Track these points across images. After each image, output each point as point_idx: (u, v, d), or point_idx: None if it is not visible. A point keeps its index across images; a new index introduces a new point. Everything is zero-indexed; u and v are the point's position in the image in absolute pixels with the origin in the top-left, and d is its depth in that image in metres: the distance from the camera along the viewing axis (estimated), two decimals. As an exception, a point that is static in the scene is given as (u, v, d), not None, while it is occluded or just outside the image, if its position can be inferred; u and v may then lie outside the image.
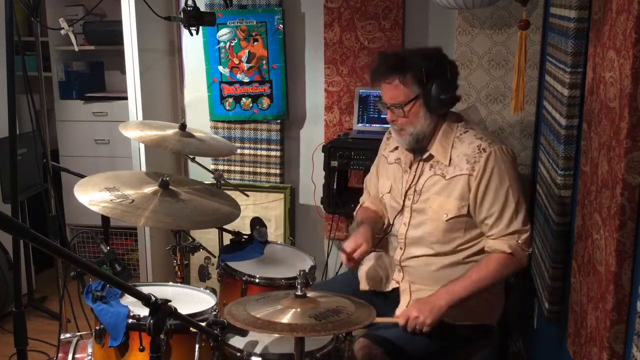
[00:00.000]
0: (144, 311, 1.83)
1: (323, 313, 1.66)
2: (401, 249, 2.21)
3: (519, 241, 2.04)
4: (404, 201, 2.19)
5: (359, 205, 2.43)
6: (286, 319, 1.64)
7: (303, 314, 1.66)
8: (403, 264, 2.21)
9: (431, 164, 2.14)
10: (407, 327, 2.00)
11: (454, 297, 2.01)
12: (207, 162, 3.48)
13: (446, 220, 2.09)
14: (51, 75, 4.08)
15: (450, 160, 2.10)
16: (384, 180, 2.32)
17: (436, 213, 2.11)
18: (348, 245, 2.12)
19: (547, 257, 2.19)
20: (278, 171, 3.50)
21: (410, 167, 2.20)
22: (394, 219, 2.24)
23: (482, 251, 2.10)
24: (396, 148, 2.27)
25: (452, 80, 2.12)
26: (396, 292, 2.21)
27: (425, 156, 2.14)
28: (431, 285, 2.10)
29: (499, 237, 2.05)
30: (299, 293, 1.73)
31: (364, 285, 2.28)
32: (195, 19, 2.64)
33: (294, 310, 1.67)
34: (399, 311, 2.13)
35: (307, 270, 2.43)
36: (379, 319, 1.91)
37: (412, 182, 2.17)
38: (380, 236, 2.30)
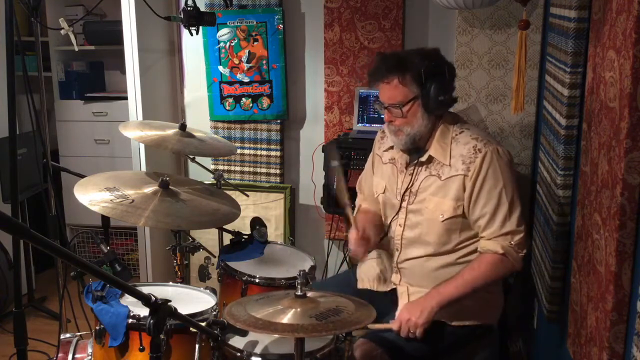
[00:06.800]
0: (144, 311, 1.84)
1: (323, 313, 1.66)
2: (397, 250, 2.21)
3: (512, 242, 2.02)
4: (400, 202, 2.19)
5: (356, 208, 2.43)
6: (287, 319, 1.64)
7: (303, 314, 1.66)
8: (400, 265, 2.21)
9: (427, 165, 2.14)
10: (401, 332, 1.99)
11: (444, 298, 2.01)
12: (207, 162, 3.48)
13: (442, 221, 2.08)
14: (51, 75, 4.09)
15: (449, 160, 2.10)
16: (379, 180, 2.31)
17: (432, 214, 2.10)
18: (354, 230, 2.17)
19: (547, 257, 2.19)
20: (278, 171, 3.50)
21: (406, 168, 2.19)
22: (390, 220, 2.24)
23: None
24: (390, 147, 2.26)
25: (450, 81, 2.11)
26: (395, 292, 2.21)
27: (424, 159, 2.13)
28: (429, 287, 2.09)
29: (492, 238, 2.04)
30: (299, 293, 1.73)
31: (362, 284, 2.28)
32: (195, 19, 2.64)
33: (294, 310, 1.67)
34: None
35: (307, 270, 2.43)
36: (373, 326, 1.92)
37: (409, 183, 2.17)
38: (382, 235, 2.30)
